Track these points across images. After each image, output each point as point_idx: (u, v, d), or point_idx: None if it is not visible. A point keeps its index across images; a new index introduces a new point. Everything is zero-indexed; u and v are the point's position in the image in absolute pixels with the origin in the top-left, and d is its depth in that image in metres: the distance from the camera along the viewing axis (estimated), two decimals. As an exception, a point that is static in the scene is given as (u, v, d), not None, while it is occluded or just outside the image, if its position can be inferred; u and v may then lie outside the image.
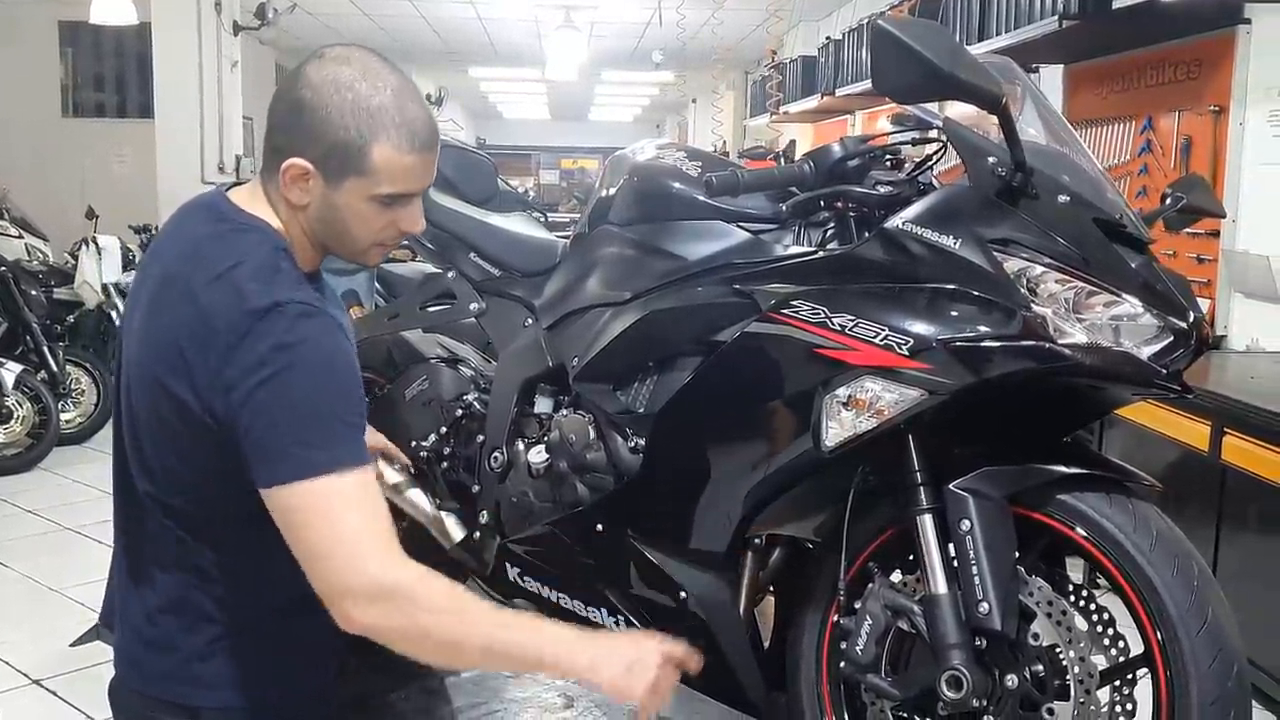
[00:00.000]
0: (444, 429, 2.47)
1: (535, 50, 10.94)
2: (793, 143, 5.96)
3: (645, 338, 2.07)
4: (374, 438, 2.04)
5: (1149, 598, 1.63)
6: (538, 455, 2.22)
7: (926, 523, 1.74)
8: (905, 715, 1.84)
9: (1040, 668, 1.70)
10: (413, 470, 2.50)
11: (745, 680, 1.97)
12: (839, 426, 1.73)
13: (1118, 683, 1.72)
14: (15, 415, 4.88)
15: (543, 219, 2.71)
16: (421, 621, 1.22)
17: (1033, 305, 1.65)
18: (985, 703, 1.68)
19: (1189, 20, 3.71)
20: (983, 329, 1.65)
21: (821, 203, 1.95)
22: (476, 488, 2.36)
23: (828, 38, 7.74)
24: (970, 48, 3.94)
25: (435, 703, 2.72)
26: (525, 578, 2.25)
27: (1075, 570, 1.84)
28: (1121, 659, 1.72)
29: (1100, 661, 1.71)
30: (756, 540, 1.97)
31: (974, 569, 1.67)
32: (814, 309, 1.77)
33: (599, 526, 2.09)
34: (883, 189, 1.91)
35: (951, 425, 1.76)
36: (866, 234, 1.85)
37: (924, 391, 1.66)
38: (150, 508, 1.36)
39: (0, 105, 8.80)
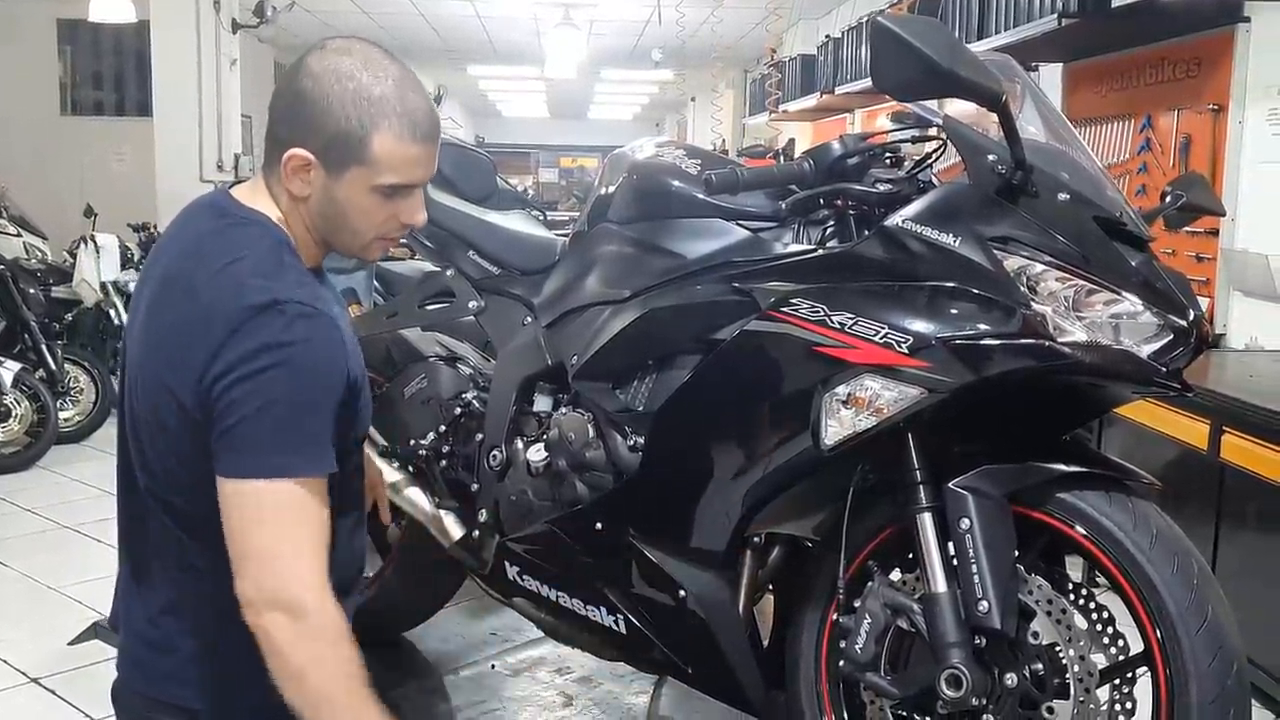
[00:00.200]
0: (443, 427, 2.47)
1: (534, 48, 10.93)
2: (792, 141, 5.94)
3: (644, 336, 2.07)
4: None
5: (1149, 596, 1.63)
6: (537, 454, 2.21)
7: (926, 521, 1.73)
8: (904, 714, 1.84)
9: (1040, 666, 1.70)
10: (411, 468, 2.51)
11: (744, 679, 1.97)
12: (838, 425, 1.73)
13: (1117, 681, 1.71)
14: (13, 413, 4.87)
15: (542, 217, 2.70)
16: (313, 662, 1.21)
17: (1032, 303, 1.65)
18: (985, 701, 1.68)
19: (1188, 18, 3.71)
20: (983, 327, 1.65)
21: (821, 201, 1.94)
22: (475, 486, 2.36)
23: (827, 36, 7.74)
24: (969, 46, 3.94)
25: (434, 701, 2.72)
26: (524, 576, 2.24)
27: (1075, 569, 1.83)
28: (1121, 658, 1.71)
29: (1100, 660, 1.71)
30: (756, 539, 1.97)
31: (973, 567, 1.66)
32: (813, 307, 1.76)
33: (598, 525, 2.09)
34: (882, 187, 1.91)
35: (951, 423, 1.76)
36: (866, 232, 1.84)
37: (924, 390, 1.66)
38: (152, 508, 1.35)
39: (-1, 103, 8.81)
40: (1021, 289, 1.66)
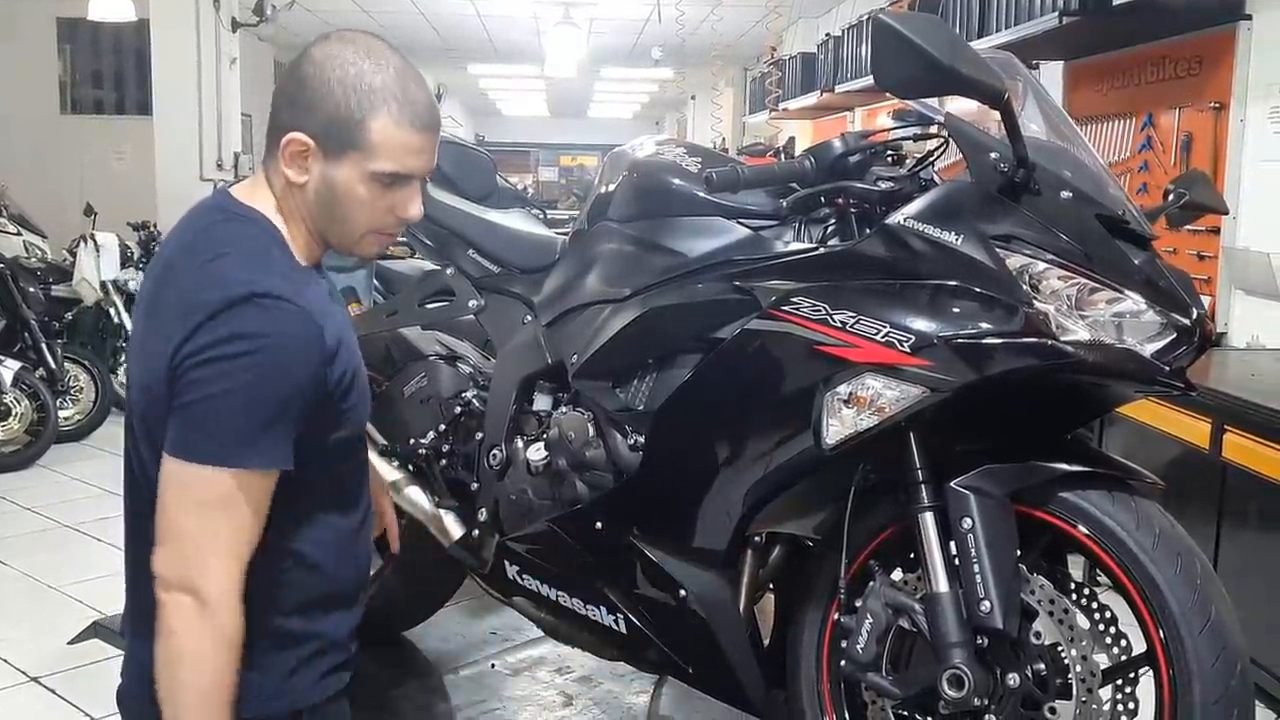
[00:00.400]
0: (443, 426, 2.47)
1: (534, 47, 10.93)
2: (792, 139, 5.94)
3: (645, 335, 2.06)
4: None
5: (1151, 596, 1.62)
6: (537, 453, 2.21)
7: (928, 521, 1.73)
8: (906, 714, 1.83)
9: (1042, 666, 1.70)
10: (411, 467, 2.50)
11: (745, 678, 1.96)
12: (840, 424, 1.72)
13: (1120, 681, 1.71)
14: (13, 412, 4.87)
15: (542, 216, 2.70)
16: (194, 656, 1.20)
17: (1035, 302, 1.64)
18: (987, 702, 1.68)
19: (1189, 16, 3.71)
20: (985, 326, 1.64)
21: (822, 199, 1.94)
22: (475, 485, 2.36)
23: (827, 34, 7.73)
24: (970, 44, 3.94)
25: (434, 701, 2.72)
26: (524, 575, 2.24)
27: (1077, 568, 1.83)
28: (1124, 657, 1.71)
29: (1102, 660, 1.70)
30: (757, 538, 1.96)
31: (975, 567, 1.66)
32: (815, 306, 1.76)
33: (598, 524, 2.08)
34: (884, 185, 1.90)
35: (953, 423, 1.75)
36: (868, 230, 1.84)
37: (925, 389, 1.65)
38: (155, 509, 1.34)
39: (-2, 102, 8.81)
40: (1024, 287, 1.66)
